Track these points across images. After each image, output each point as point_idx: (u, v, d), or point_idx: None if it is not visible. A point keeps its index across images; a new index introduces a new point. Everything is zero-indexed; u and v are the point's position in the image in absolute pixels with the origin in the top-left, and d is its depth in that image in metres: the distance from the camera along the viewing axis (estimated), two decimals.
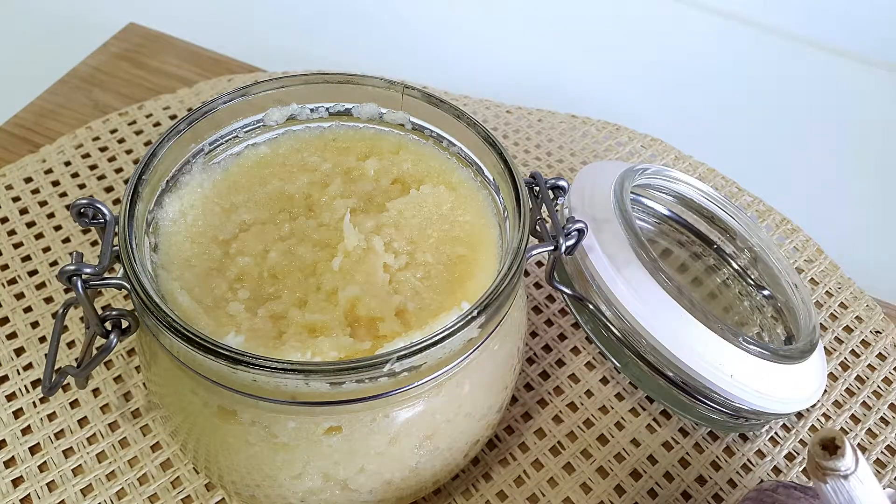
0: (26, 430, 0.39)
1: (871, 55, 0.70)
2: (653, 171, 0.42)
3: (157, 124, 0.54)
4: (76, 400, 0.40)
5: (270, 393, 0.27)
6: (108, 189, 0.50)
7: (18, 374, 0.41)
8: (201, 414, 0.30)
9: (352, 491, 0.31)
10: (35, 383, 0.40)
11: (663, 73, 0.68)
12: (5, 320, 0.43)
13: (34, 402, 0.40)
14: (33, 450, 0.38)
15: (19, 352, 0.42)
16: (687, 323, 0.35)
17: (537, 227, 0.33)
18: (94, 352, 0.30)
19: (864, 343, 0.45)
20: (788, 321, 0.40)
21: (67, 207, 0.48)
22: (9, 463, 0.38)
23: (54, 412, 0.40)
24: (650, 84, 0.67)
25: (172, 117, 0.54)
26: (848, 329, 0.46)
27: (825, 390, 0.42)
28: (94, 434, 0.39)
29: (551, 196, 0.34)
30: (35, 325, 0.43)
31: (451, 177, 0.36)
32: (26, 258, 0.46)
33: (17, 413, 0.39)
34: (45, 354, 0.41)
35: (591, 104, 0.61)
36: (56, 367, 0.38)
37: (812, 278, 0.48)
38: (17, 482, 0.37)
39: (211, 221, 0.34)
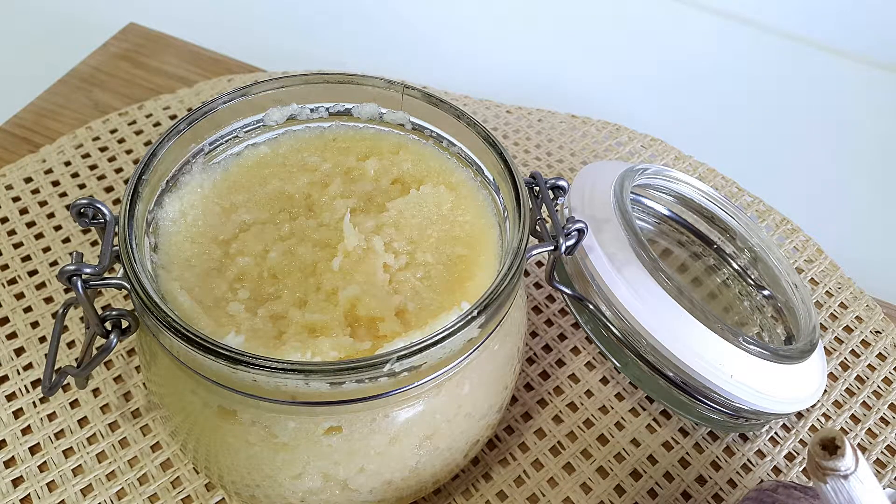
0: (26, 430, 0.39)
1: (871, 55, 0.70)
2: (653, 171, 0.42)
3: (157, 124, 0.54)
4: (76, 400, 0.40)
5: (270, 393, 0.27)
6: (108, 189, 0.50)
7: (18, 374, 0.41)
8: (201, 414, 0.30)
9: (352, 491, 0.31)
10: (35, 383, 0.40)
11: (663, 73, 0.68)
12: (5, 320, 0.43)
13: (34, 402, 0.40)
14: (33, 450, 0.38)
15: (19, 352, 0.42)
16: (687, 323, 0.35)
17: (537, 227, 0.33)
18: (94, 352, 0.30)
19: (864, 343, 0.45)
20: (788, 321, 0.40)
21: (67, 207, 0.48)
22: (9, 463, 0.38)
23: (54, 412, 0.40)
24: (650, 84, 0.67)
25: (172, 117, 0.54)
26: (848, 329, 0.46)
27: (825, 390, 0.42)
28: (94, 434, 0.39)
29: (551, 196, 0.34)
30: (35, 325, 0.43)
31: (451, 177, 0.36)
32: (26, 258, 0.46)
33: (17, 413, 0.39)
34: (45, 354, 0.41)
35: (591, 104, 0.61)
36: (56, 367, 0.38)
37: (812, 278, 0.48)
38: (17, 482, 0.37)
39: (211, 221, 0.34)
